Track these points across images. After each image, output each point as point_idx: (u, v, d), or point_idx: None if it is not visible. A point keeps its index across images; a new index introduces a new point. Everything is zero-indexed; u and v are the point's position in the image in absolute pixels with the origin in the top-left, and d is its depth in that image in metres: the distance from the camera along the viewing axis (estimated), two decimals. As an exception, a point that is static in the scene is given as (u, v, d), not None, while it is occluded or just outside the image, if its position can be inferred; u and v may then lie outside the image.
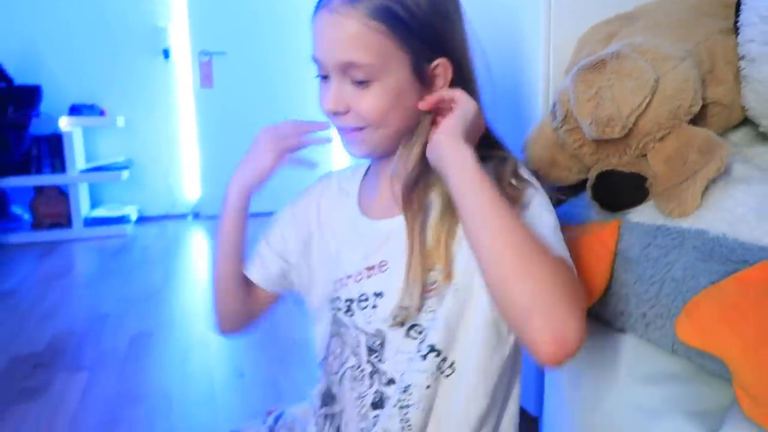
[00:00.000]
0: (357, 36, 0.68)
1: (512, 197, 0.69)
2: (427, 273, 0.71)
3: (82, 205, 3.64)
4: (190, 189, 4.12)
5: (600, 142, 0.85)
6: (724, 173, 0.80)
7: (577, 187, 0.97)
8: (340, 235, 0.83)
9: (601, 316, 0.84)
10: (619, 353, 0.79)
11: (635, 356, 0.77)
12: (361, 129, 0.73)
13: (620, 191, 0.86)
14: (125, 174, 3.72)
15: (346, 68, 0.70)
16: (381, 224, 0.78)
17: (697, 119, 0.91)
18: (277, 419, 0.93)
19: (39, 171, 3.53)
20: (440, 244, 0.71)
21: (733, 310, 0.63)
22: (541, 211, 0.70)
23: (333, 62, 0.70)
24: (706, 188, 0.78)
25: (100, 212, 3.74)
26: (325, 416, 0.82)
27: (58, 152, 3.53)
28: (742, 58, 0.91)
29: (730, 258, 0.69)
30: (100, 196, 3.96)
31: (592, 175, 0.87)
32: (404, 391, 0.72)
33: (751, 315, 0.62)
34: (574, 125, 0.86)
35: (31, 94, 3.24)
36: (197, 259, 3.19)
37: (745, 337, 0.61)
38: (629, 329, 0.80)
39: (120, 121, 3.83)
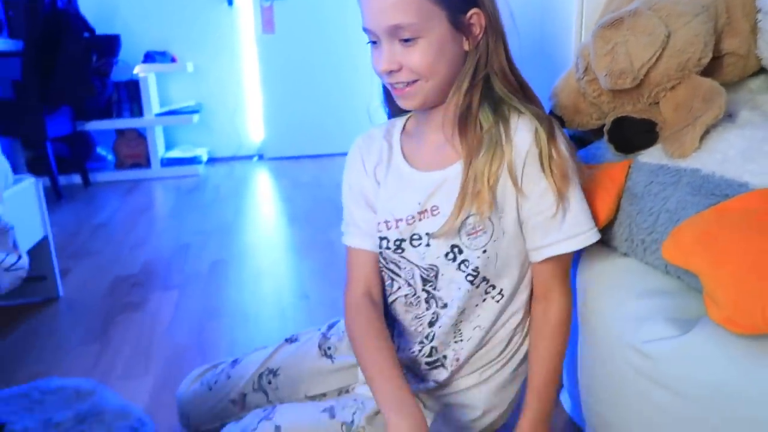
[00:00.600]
0: (398, 1, 0.80)
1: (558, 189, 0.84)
2: (474, 206, 0.85)
3: (159, 147, 3.94)
4: (255, 132, 4.36)
5: (616, 92, 0.97)
6: (727, 119, 0.91)
7: (599, 132, 1.09)
8: (389, 184, 0.96)
9: (609, 243, 0.99)
10: (621, 274, 0.94)
11: (634, 276, 0.92)
12: (413, 82, 0.86)
13: (632, 135, 0.98)
14: (196, 117, 3.98)
15: (393, 30, 0.83)
16: (433, 175, 0.90)
17: (713, 69, 1.01)
18: (330, 327, 1.12)
19: (119, 115, 3.84)
20: (485, 183, 0.84)
21: (707, 234, 0.76)
22: (577, 202, 0.87)
23: (381, 28, 0.83)
24: (707, 132, 0.89)
25: (175, 153, 4.04)
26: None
27: (135, 97, 3.82)
28: (759, 10, 0.99)
29: (714, 192, 0.82)
30: (173, 138, 4.26)
31: (608, 121, 0.99)
32: (461, 312, 0.90)
33: (720, 237, 0.75)
34: (593, 77, 0.98)
35: (112, 43, 3.49)
36: (264, 197, 3.44)
37: (714, 255, 0.74)
38: (632, 254, 0.94)
39: (189, 67, 4.06)
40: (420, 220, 0.90)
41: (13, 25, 3.24)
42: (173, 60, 3.98)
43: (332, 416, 0.95)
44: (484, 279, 0.89)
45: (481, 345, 0.93)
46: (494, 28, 0.86)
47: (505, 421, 0.98)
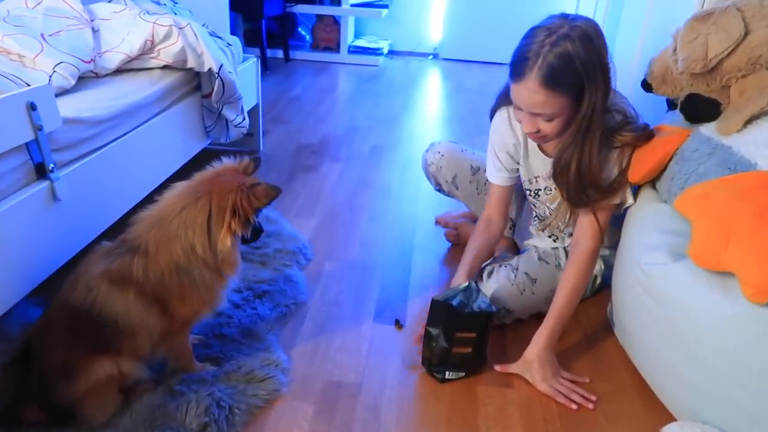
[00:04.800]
0: (542, 102, 1.14)
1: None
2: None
3: (349, 35, 4.44)
4: (434, 32, 4.66)
5: (693, 73, 1.19)
6: None
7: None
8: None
9: (658, 190, 1.26)
10: (655, 215, 1.22)
11: (663, 218, 1.20)
12: (544, 136, 1.24)
13: (699, 110, 1.21)
14: (384, 12, 4.37)
15: (535, 114, 1.19)
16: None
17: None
18: None
19: (321, 2, 4.35)
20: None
21: (705, 194, 1.04)
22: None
23: (527, 110, 1.19)
24: (756, 118, 1.11)
25: (361, 43, 4.51)
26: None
27: (336, -14, 4.28)
28: None
29: (730, 167, 1.07)
30: (362, 28, 4.73)
31: (682, 95, 1.23)
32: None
33: (712, 198, 1.02)
34: (677, 57, 1.21)
35: (324, -63, 3.92)
36: (429, 95, 3.82)
37: (702, 210, 1.02)
38: (668, 201, 1.22)
39: (387, -38, 4.39)
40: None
41: None
42: (374, -46, 4.33)
43: None
44: None
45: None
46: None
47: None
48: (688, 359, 1.07)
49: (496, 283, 1.43)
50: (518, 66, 1.15)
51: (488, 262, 1.62)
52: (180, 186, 1.11)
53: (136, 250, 1.06)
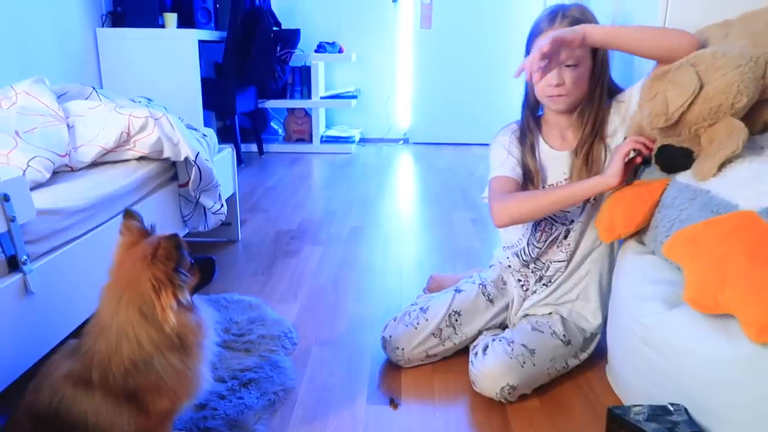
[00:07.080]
0: None
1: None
2: None
3: (321, 126, 4.56)
4: (403, 118, 4.83)
5: (662, 127, 1.23)
6: (759, 150, 1.14)
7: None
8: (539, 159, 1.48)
9: (643, 242, 1.26)
10: (644, 266, 1.22)
11: (652, 268, 1.19)
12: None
13: (673, 160, 1.24)
14: (353, 102, 4.53)
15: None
16: (564, 154, 1.44)
17: (759, 111, 1.22)
18: (483, 283, 1.61)
19: (291, 96, 4.50)
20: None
21: (693, 238, 1.04)
22: None
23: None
24: (729, 161, 1.13)
25: (333, 132, 4.64)
26: (532, 270, 1.53)
27: (306, 81, 4.45)
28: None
29: (713, 210, 1.08)
30: (333, 118, 4.87)
31: (655, 147, 1.26)
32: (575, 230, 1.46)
33: (700, 241, 1.02)
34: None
35: (294, 37, 4.12)
36: (402, 177, 3.89)
37: (693, 253, 1.02)
38: (656, 251, 1.22)
39: (353, 57, 4.61)
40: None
41: (218, 18, 3.98)
42: (341, 50, 4.55)
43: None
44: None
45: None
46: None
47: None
48: (700, 412, 1.03)
49: (493, 358, 1.36)
50: (543, 23, 1.37)
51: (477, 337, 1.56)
52: (106, 287, 1.04)
53: (92, 359, 0.99)
